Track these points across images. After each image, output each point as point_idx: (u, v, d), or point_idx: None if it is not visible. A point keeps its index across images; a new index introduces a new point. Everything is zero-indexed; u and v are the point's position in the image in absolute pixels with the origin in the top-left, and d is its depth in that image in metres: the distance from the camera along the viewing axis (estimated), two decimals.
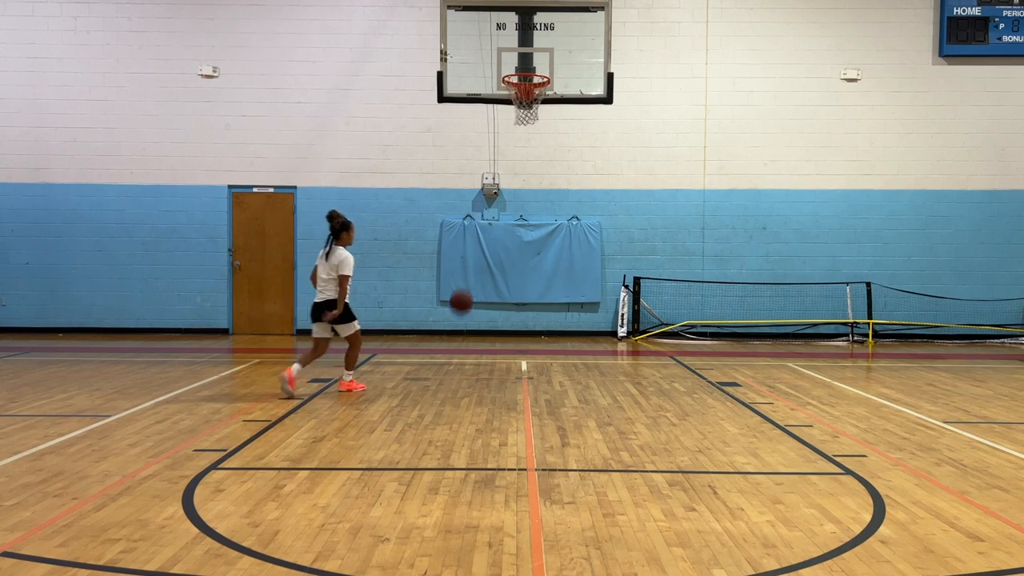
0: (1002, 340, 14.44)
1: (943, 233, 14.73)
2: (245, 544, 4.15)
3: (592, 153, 14.66)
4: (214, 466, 5.65)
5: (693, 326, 14.64)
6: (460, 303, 8.72)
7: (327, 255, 8.33)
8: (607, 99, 11.20)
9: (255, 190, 14.62)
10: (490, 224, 14.55)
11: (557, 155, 14.66)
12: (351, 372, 8.72)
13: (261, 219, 14.62)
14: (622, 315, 14.31)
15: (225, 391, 8.75)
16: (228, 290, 14.66)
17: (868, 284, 14.44)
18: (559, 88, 11.13)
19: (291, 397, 8.23)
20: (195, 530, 4.36)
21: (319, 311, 8.38)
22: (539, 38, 11.23)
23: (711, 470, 5.67)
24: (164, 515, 4.60)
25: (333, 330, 8.44)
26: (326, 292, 8.33)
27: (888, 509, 4.81)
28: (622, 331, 14.29)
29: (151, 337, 14.04)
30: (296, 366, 8.33)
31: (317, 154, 14.58)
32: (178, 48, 14.46)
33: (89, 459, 5.83)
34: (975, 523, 4.57)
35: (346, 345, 8.68)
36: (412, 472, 5.55)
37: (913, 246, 14.75)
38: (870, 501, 4.96)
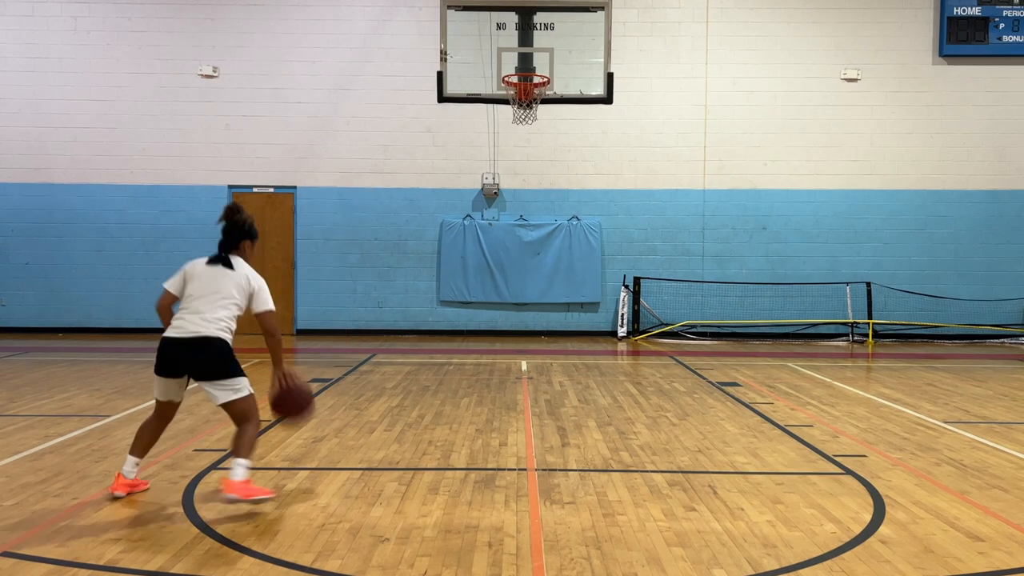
0: (1002, 340, 14.44)
1: (943, 233, 14.73)
2: (245, 544, 4.15)
3: (592, 153, 14.65)
4: (214, 466, 5.65)
5: (693, 326, 14.64)
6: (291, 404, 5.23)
7: (220, 263, 4.92)
8: (607, 99, 11.21)
9: (255, 190, 14.62)
10: (490, 224, 14.55)
11: (557, 155, 14.65)
12: (245, 461, 4.76)
13: (261, 219, 14.52)
14: (622, 315, 14.31)
15: None
16: None
17: (868, 284, 14.44)
18: (559, 88, 11.14)
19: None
20: (195, 530, 4.35)
21: (186, 354, 4.76)
22: (539, 38, 11.23)
23: (711, 470, 5.67)
24: (164, 515, 4.60)
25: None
26: (205, 324, 4.79)
27: (888, 509, 4.80)
28: (622, 331, 14.29)
29: (151, 337, 13.98)
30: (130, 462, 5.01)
31: (317, 154, 14.58)
32: (178, 48, 14.45)
33: (89, 459, 5.82)
34: (975, 523, 4.57)
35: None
36: (412, 472, 5.55)
37: (913, 246, 14.74)
38: (870, 501, 4.96)
